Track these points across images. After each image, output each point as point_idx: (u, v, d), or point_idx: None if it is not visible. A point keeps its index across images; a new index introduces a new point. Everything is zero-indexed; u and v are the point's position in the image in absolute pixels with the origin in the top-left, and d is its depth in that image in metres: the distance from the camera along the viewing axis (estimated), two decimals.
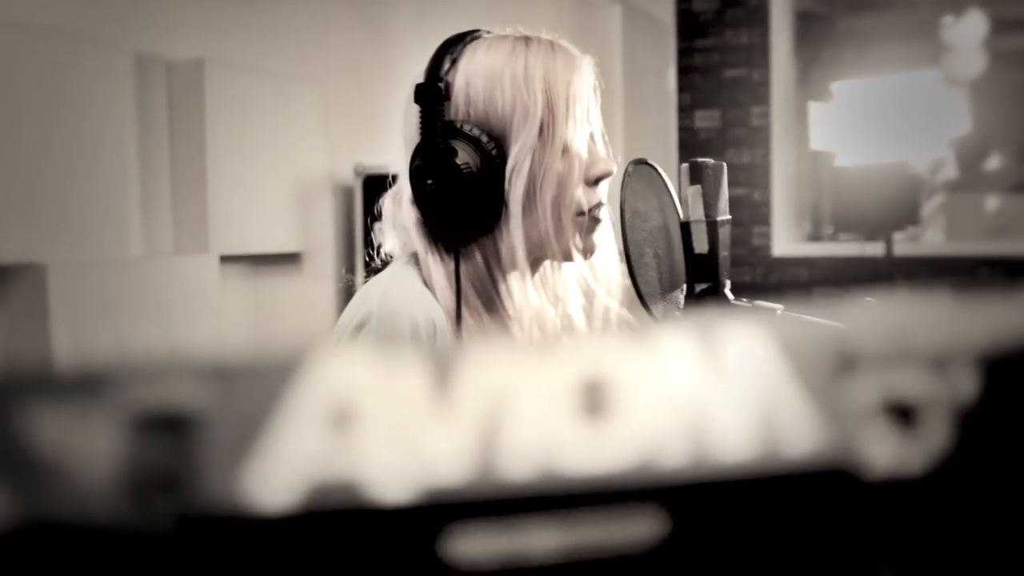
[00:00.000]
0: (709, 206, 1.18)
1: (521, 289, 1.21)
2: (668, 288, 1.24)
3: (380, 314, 1.11)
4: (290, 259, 3.63)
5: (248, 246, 3.39)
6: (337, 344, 1.11)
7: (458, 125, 1.16)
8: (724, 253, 1.20)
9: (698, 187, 1.18)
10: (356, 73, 3.97)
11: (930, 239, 5.66)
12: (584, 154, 1.22)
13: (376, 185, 4.40)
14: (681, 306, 1.26)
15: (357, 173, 3.80)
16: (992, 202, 6.41)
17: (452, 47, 1.21)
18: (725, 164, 1.22)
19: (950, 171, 6.74)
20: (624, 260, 1.18)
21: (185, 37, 3.17)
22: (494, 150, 1.16)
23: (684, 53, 5.26)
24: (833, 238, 5.81)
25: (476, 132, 1.16)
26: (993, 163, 8.34)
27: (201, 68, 3.09)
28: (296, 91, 3.55)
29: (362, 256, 3.93)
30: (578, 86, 1.21)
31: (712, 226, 1.18)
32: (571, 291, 1.31)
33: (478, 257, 1.20)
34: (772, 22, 5.14)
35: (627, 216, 1.17)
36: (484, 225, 1.18)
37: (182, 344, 3.05)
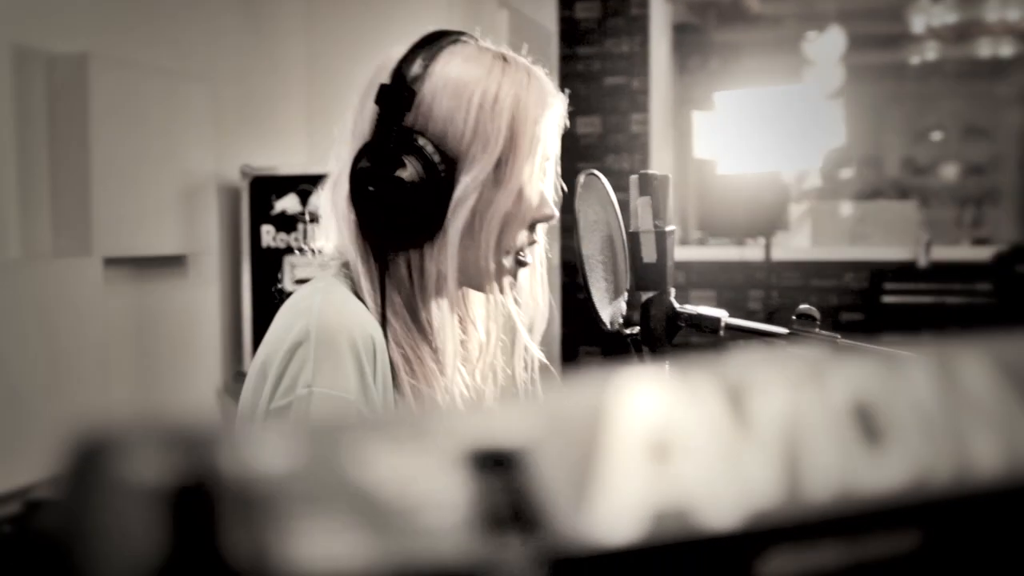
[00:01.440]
0: (657, 216, 1.22)
1: (440, 314, 1.20)
2: (613, 296, 1.26)
3: (318, 331, 1.06)
4: (175, 262, 3.52)
5: (132, 248, 3.26)
6: (273, 361, 1.07)
7: (413, 137, 1.12)
8: (670, 262, 1.24)
9: (647, 198, 1.21)
10: (244, 72, 3.88)
11: (796, 244, 5.91)
12: (537, 200, 1.19)
13: (263, 186, 4.27)
14: (624, 314, 1.29)
15: (244, 174, 3.71)
16: (847, 208, 6.74)
17: (430, 46, 1.14)
18: (670, 176, 1.26)
19: (814, 180, 7.06)
20: (579, 269, 1.20)
21: (68, 30, 3.03)
22: (444, 172, 1.12)
23: (566, 60, 5.34)
24: (702, 242, 6.00)
25: (430, 149, 1.11)
26: (846, 172, 8.79)
27: (85, 63, 2.97)
28: (183, 89, 3.45)
29: (248, 260, 3.85)
30: (545, 126, 1.18)
31: (660, 236, 1.21)
32: (480, 320, 1.28)
33: (403, 271, 1.17)
34: (651, 32, 5.28)
35: (581, 226, 1.19)
36: (415, 241, 1.15)
37: (65, 348, 2.92)
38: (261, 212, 3.73)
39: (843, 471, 0.26)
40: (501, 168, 1.14)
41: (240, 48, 3.86)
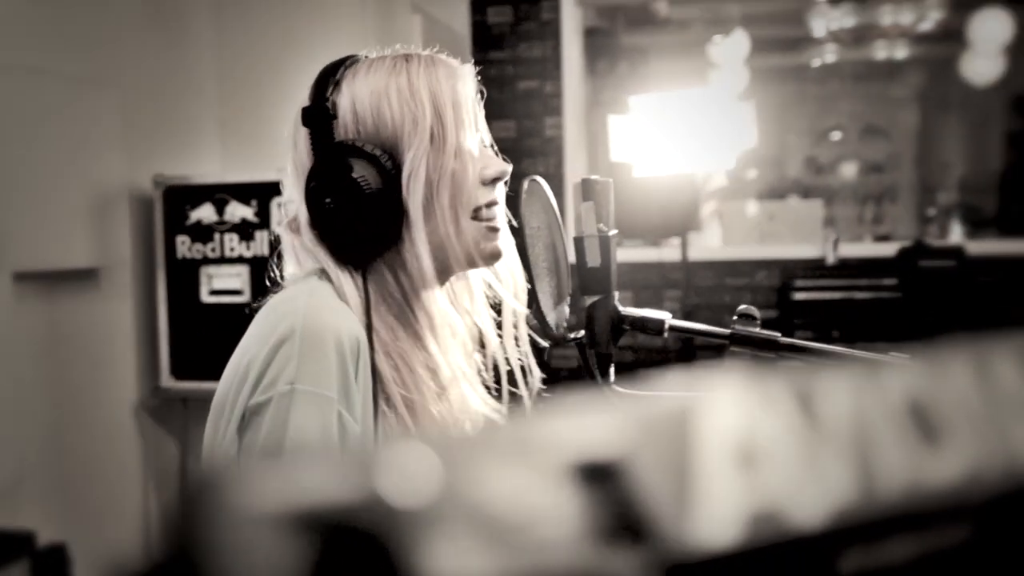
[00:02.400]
0: (601, 221, 1.23)
1: (431, 299, 1.22)
2: (557, 301, 1.28)
3: (304, 330, 1.08)
4: (87, 275, 3.42)
5: (43, 262, 3.16)
6: (256, 359, 1.07)
7: (349, 142, 1.18)
8: (614, 266, 1.25)
9: (591, 203, 1.23)
10: (154, 79, 3.79)
11: (705, 243, 6.03)
12: (476, 153, 1.24)
13: (177, 196, 4.19)
14: (567, 318, 1.30)
15: (157, 184, 3.63)
16: (753, 207, 6.91)
17: (333, 71, 1.23)
18: (612, 181, 1.28)
19: (720, 180, 7.20)
20: (526, 274, 1.22)
21: None
22: (388, 162, 1.17)
23: (479, 64, 5.33)
24: (618, 244, 6.06)
25: (368, 147, 1.17)
26: (751, 171, 9.00)
27: None
28: (91, 96, 3.35)
29: (163, 271, 3.75)
30: (462, 91, 1.24)
31: (604, 240, 1.23)
32: (478, 301, 1.33)
33: (386, 272, 1.20)
34: (563, 36, 5.33)
35: (526, 232, 1.21)
36: (388, 238, 1.18)
37: None
38: (175, 222, 3.65)
39: (908, 469, 0.27)
40: (436, 137, 1.20)
41: (149, 54, 3.77)
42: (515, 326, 1.31)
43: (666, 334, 1.25)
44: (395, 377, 1.16)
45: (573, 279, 1.30)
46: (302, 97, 1.23)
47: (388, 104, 1.19)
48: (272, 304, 1.17)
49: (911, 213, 8.89)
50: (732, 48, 6.94)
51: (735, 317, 1.23)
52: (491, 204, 1.25)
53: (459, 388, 1.25)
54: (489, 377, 1.31)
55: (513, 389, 1.32)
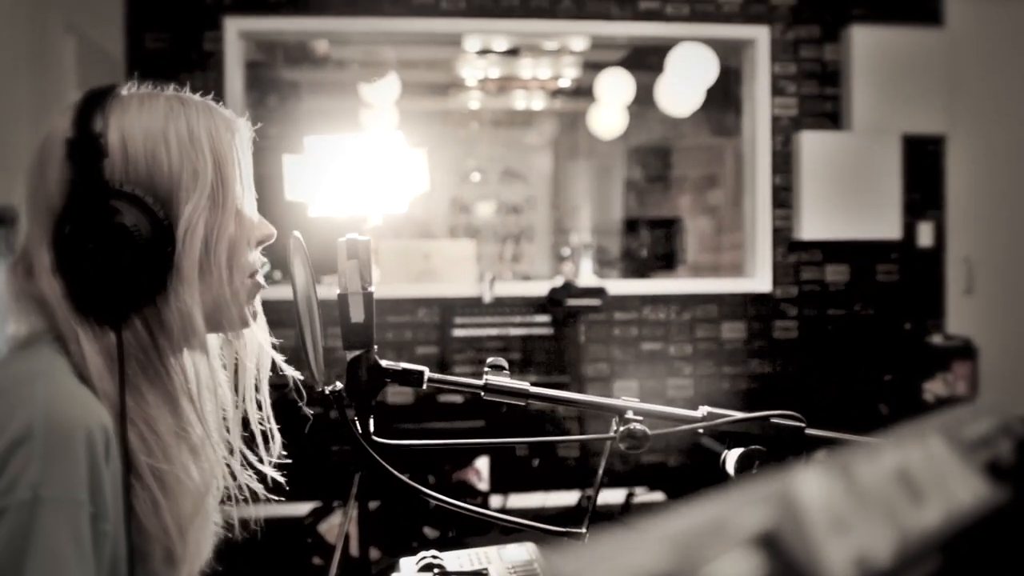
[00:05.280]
0: (364, 278, 1.28)
1: (188, 359, 1.19)
2: (316, 353, 1.31)
3: (47, 427, 0.96)
4: None
5: None
6: None
7: (118, 186, 1.08)
8: (374, 321, 1.30)
9: (355, 261, 1.27)
10: None
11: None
12: (255, 218, 1.24)
13: None
14: (323, 370, 1.33)
15: None
16: (409, 246, 7.13)
17: (98, 100, 1.12)
18: (370, 239, 1.33)
19: (376, 219, 7.35)
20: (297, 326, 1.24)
21: None
22: (161, 211, 1.09)
23: None
24: (283, 282, 6.01)
25: (139, 192, 1.08)
26: (401, 210, 9.25)
27: None
28: None
29: None
30: (240, 147, 1.21)
31: (367, 297, 1.28)
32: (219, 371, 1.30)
33: (140, 329, 1.12)
34: (226, 68, 5.23)
35: (294, 285, 1.23)
36: (150, 292, 1.10)
37: None
38: None
39: (916, 517, 0.38)
40: (216, 193, 1.15)
41: None
42: (257, 389, 1.30)
43: (425, 386, 1.32)
44: (141, 447, 1.08)
45: (329, 333, 1.34)
46: (56, 122, 1.11)
47: (166, 150, 1.11)
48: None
49: (547, 252, 9.59)
50: (384, 89, 7.14)
51: (486, 368, 1.33)
52: (261, 266, 1.27)
53: (211, 451, 1.21)
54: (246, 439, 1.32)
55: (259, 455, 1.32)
